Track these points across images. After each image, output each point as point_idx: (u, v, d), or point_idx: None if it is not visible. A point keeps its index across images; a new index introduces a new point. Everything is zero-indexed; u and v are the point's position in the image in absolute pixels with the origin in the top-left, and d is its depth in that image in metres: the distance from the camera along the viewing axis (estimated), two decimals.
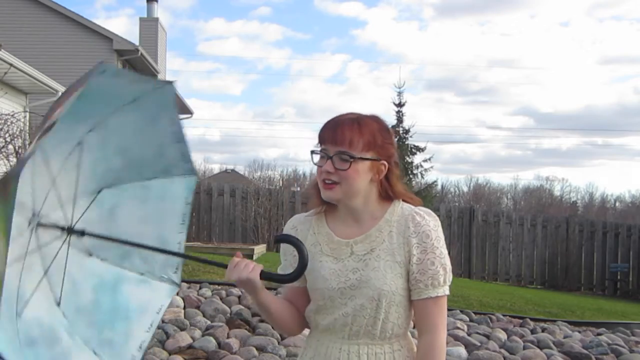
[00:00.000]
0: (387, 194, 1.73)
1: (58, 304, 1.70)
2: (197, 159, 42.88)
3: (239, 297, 5.81)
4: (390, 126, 1.80)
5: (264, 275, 1.62)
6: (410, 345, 1.75)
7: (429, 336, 1.66)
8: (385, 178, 1.71)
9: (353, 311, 1.67)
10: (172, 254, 1.73)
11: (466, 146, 73.96)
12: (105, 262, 1.82)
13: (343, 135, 1.65)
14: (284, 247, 1.82)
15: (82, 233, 1.72)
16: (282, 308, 1.78)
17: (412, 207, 1.73)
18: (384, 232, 1.69)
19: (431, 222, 1.69)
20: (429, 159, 18.60)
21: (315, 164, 1.71)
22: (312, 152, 1.72)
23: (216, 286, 6.21)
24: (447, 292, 1.69)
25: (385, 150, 1.71)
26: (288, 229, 1.83)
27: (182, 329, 4.82)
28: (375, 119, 1.73)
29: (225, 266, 1.65)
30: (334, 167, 1.65)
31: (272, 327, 1.87)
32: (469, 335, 5.51)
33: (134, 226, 1.80)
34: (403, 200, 1.75)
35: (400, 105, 18.71)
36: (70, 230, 1.72)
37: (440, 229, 1.71)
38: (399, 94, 18.99)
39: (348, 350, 1.70)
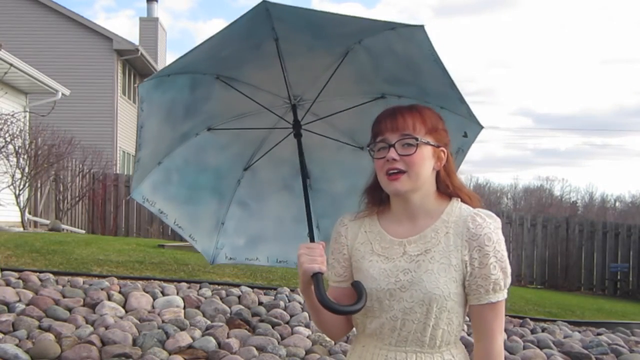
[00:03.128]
0: (445, 189, 1.65)
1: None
2: None
3: (239, 297, 5.81)
4: None
5: (314, 278, 1.57)
6: (463, 354, 1.69)
7: (486, 343, 1.60)
8: (444, 168, 1.64)
9: (402, 315, 1.58)
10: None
11: None
12: (237, 180, 2.13)
13: (405, 120, 1.59)
14: (334, 247, 1.75)
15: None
16: None
17: (471, 208, 1.64)
18: (440, 233, 1.60)
19: (492, 225, 1.61)
20: None
21: (375, 158, 1.62)
22: (369, 146, 1.65)
23: (216, 286, 6.21)
24: (506, 296, 1.62)
25: (444, 137, 1.65)
26: (339, 225, 1.76)
27: (182, 329, 4.82)
28: (430, 108, 1.67)
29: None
30: (398, 154, 1.57)
31: (318, 329, 1.81)
32: (469, 335, 5.50)
33: None
34: (461, 200, 1.66)
35: None
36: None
37: (500, 231, 1.63)
38: None
39: (395, 358, 1.60)
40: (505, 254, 1.62)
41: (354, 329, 1.76)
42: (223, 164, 2.08)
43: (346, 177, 2.10)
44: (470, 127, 1.87)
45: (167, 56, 24.01)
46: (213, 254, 2.13)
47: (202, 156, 2.05)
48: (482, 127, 1.86)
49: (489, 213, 1.64)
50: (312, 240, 1.72)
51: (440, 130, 1.64)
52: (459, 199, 1.66)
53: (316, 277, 1.58)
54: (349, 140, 2.06)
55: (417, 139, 1.57)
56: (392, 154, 1.57)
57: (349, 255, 1.70)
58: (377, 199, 1.69)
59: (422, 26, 1.57)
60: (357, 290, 1.60)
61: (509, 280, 1.61)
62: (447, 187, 1.65)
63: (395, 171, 1.57)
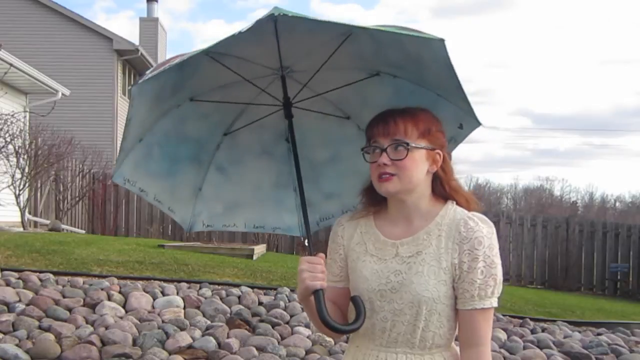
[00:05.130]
0: (441, 191, 1.65)
1: None
2: None
3: (239, 297, 5.81)
4: None
5: (316, 295, 1.57)
6: (454, 358, 1.65)
7: (474, 350, 1.57)
8: (441, 169, 1.64)
9: (392, 316, 1.59)
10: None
11: (464, 147, 73.97)
12: (216, 144, 2.05)
13: (396, 124, 1.60)
14: (331, 247, 1.76)
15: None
16: (330, 311, 1.68)
17: (465, 211, 1.62)
18: (432, 235, 1.60)
19: (485, 229, 1.58)
20: None
21: (367, 161, 1.64)
22: (363, 150, 1.65)
23: (216, 286, 6.21)
24: (495, 304, 1.59)
25: (439, 139, 1.64)
26: (336, 226, 1.77)
27: (182, 329, 4.82)
28: (425, 110, 1.67)
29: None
30: (389, 159, 1.58)
31: (317, 329, 1.79)
32: None
33: None
34: (458, 203, 1.65)
35: None
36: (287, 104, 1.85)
37: (494, 237, 1.60)
38: None
39: (385, 358, 1.61)
40: (497, 260, 1.60)
41: None
42: (204, 133, 2.03)
43: (328, 146, 2.07)
44: (468, 120, 1.85)
45: (167, 57, 24.00)
46: (190, 221, 2.10)
47: (183, 127, 1.99)
48: (479, 124, 1.84)
49: (483, 218, 1.62)
50: (309, 244, 1.71)
51: (434, 132, 1.63)
52: (455, 202, 1.65)
53: (317, 294, 1.57)
54: (334, 111, 2.01)
55: (408, 144, 1.58)
56: (384, 158, 1.58)
57: (345, 256, 1.72)
58: (374, 199, 1.70)
59: (442, 40, 1.55)
60: (356, 306, 1.60)
61: (498, 289, 1.59)
62: (443, 189, 1.65)
63: (386, 175, 1.58)
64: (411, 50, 1.69)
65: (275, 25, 1.64)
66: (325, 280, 1.59)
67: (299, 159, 1.87)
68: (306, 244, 1.73)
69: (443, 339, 1.60)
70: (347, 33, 1.73)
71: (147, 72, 1.69)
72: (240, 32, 1.51)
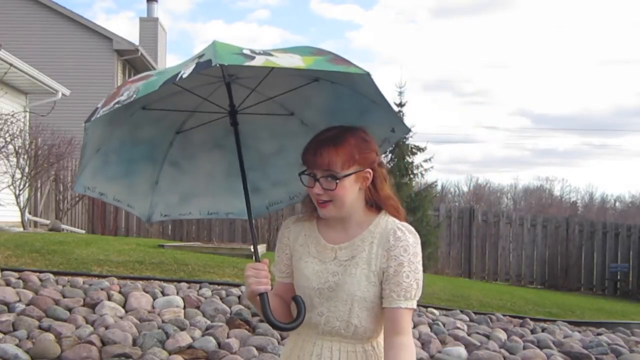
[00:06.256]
0: (374, 201, 1.82)
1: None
2: None
3: (239, 297, 5.81)
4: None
5: (262, 298, 1.76)
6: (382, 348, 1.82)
7: (400, 337, 1.73)
8: (371, 184, 1.81)
9: (327, 312, 1.79)
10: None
11: (464, 147, 74.07)
12: (169, 142, 2.17)
13: (322, 158, 1.74)
14: (279, 246, 1.95)
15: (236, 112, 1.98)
16: (275, 306, 1.86)
17: (397, 221, 1.81)
18: (365, 242, 1.79)
19: (410, 239, 1.77)
20: (429, 159, 18.60)
21: (305, 185, 1.81)
22: (300, 175, 1.81)
23: (216, 286, 6.21)
24: (414, 307, 1.77)
25: (366, 159, 1.78)
26: (283, 228, 1.95)
27: (182, 329, 4.82)
28: (351, 133, 1.78)
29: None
30: (322, 189, 1.75)
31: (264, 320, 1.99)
32: (469, 335, 5.50)
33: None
34: (388, 211, 1.83)
35: (401, 105, 18.70)
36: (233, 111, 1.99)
37: (419, 247, 1.78)
38: (400, 93, 18.99)
39: (322, 345, 1.81)
40: (420, 267, 1.77)
41: None
42: (157, 134, 2.14)
43: (275, 139, 2.20)
44: (398, 126, 2.00)
45: (167, 57, 24.01)
46: (149, 213, 2.22)
47: (136, 132, 2.09)
48: (409, 130, 2.02)
49: (410, 228, 1.80)
50: (256, 257, 1.87)
51: (364, 153, 1.77)
52: (387, 213, 1.83)
53: (262, 297, 1.76)
54: (279, 109, 2.13)
55: (336, 176, 1.73)
56: (317, 189, 1.76)
57: (291, 255, 1.91)
58: (313, 208, 1.86)
59: (368, 74, 1.67)
60: (297, 305, 1.79)
61: (419, 292, 1.77)
62: (374, 200, 1.82)
63: (323, 201, 1.77)
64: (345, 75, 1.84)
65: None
66: (269, 284, 1.78)
67: (249, 150, 2.09)
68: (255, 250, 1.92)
69: (373, 332, 1.80)
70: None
71: (99, 105, 1.78)
72: (181, 78, 1.59)
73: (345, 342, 1.80)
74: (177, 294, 5.71)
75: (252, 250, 1.93)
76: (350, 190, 1.77)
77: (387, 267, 1.75)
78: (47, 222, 12.41)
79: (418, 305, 1.88)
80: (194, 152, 2.21)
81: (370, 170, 1.79)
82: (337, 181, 1.74)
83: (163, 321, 4.98)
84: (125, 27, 65.32)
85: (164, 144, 2.17)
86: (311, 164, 1.77)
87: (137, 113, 2.05)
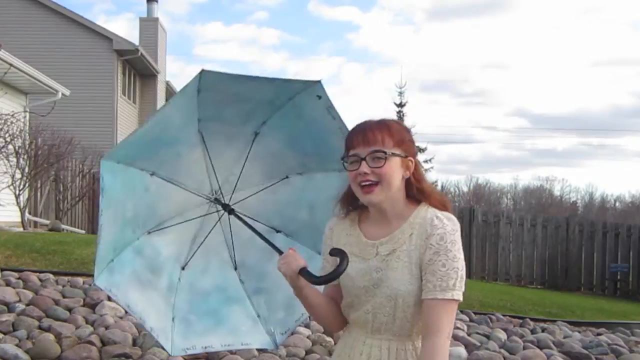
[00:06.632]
0: (415, 194, 1.78)
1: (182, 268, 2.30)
2: None
3: None
4: None
5: (302, 272, 1.75)
6: None
7: (433, 339, 1.64)
8: (413, 176, 1.78)
9: (373, 309, 1.75)
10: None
11: (463, 147, 74.08)
12: (239, 281, 2.35)
13: (374, 135, 1.73)
14: (324, 249, 1.92)
15: (231, 210, 2.19)
16: (324, 303, 1.86)
17: (436, 211, 1.76)
18: (405, 234, 1.75)
19: (448, 226, 1.72)
20: (430, 160, 18.60)
21: (348, 170, 1.77)
22: (343, 159, 1.79)
23: None
24: (457, 298, 1.67)
25: (410, 148, 1.79)
26: (327, 230, 1.93)
27: None
28: (397, 121, 1.82)
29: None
30: (369, 167, 1.71)
31: (320, 325, 2.06)
32: (469, 335, 5.50)
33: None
34: (431, 204, 1.78)
35: (401, 105, 18.72)
36: (227, 207, 2.21)
37: (457, 234, 1.73)
38: (400, 94, 18.98)
39: (371, 344, 1.77)
40: (459, 256, 1.71)
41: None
42: (217, 280, 2.36)
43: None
44: (314, 90, 2.04)
45: (167, 57, 23.99)
46: (271, 340, 2.37)
47: (196, 289, 2.31)
48: (319, 82, 2.02)
49: (450, 216, 1.76)
50: (278, 252, 1.92)
51: (407, 142, 1.78)
52: (428, 204, 1.78)
53: (304, 272, 1.76)
54: (271, 181, 2.33)
55: (385, 152, 1.71)
56: (364, 167, 1.72)
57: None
58: (352, 204, 1.85)
59: (201, 71, 1.81)
60: (337, 255, 1.76)
61: (460, 282, 1.69)
62: (416, 193, 1.78)
63: (368, 183, 1.72)
64: (236, 92, 1.99)
65: (201, 134, 2.14)
66: (299, 260, 1.77)
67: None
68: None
69: (420, 327, 1.74)
70: (251, 140, 2.18)
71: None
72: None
73: (394, 340, 1.75)
74: None
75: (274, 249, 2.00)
76: (397, 173, 1.73)
77: (426, 256, 1.70)
78: (47, 222, 12.40)
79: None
80: (261, 271, 2.37)
81: (412, 160, 1.77)
82: (386, 158, 1.70)
83: None
84: (124, 29, 65.41)
85: (233, 284, 2.38)
86: (359, 144, 1.73)
87: (142, 238, 2.23)
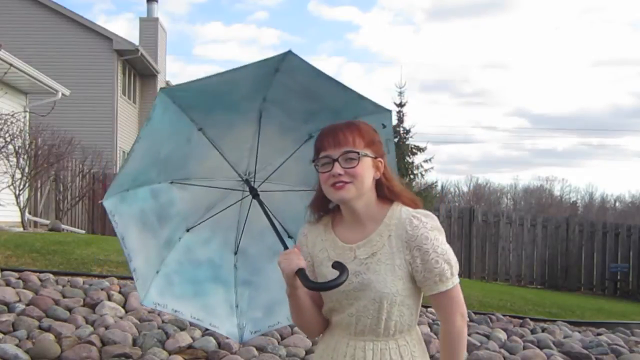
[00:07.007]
0: (386, 194, 1.81)
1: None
2: None
3: None
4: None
5: (298, 273, 1.73)
6: (418, 339, 1.84)
7: (446, 326, 1.75)
8: (383, 176, 1.80)
9: (357, 312, 1.76)
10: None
11: (463, 147, 74.09)
12: (233, 266, 2.33)
13: (345, 136, 1.74)
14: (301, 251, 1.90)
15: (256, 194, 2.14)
16: (310, 307, 1.86)
17: (410, 210, 1.79)
18: (384, 237, 1.76)
19: (428, 224, 1.75)
20: (429, 160, 18.58)
21: (320, 172, 1.77)
22: (314, 162, 1.78)
23: None
24: (456, 282, 1.76)
25: (379, 149, 1.81)
26: (300, 236, 1.93)
27: (182, 329, 4.82)
28: (365, 122, 1.83)
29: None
30: (342, 168, 1.72)
31: (301, 329, 1.98)
32: (469, 335, 5.50)
33: None
34: (402, 202, 1.81)
35: (401, 105, 18.69)
36: (253, 191, 2.16)
37: (438, 226, 1.77)
38: (400, 94, 18.97)
39: (355, 345, 1.79)
40: (446, 246, 1.76)
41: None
42: (214, 255, 2.31)
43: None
44: (383, 117, 2.04)
45: (167, 57, 24.00)
46: (239, 334, 2.34)
47: (192, 255, 2.27)
48: (389, 111, 2.04)
49: (426, 213, 1.79)
50: (284, 245, 1.91)
51: (376, 142, 1.80)
52: (400, 203, 1.81)
53: (301, 273, 1.73)
54: (303, 187, 2.25)
55: (358, 153, 1.73)
56: (337, 169, 1.72)
57: (312, 262, 1.88)
58: (325, 209, 1.86)
59: (289, 51, 1.78)
60: (339, 269, 1.74)
61: (455, 268, 1.76)
62: (387, 192, 1.81)
63: (341, 183, 1.73)
64: (294, 86, 1.94)
65: (203, 132, 2.07)
66: (301, 261, 1.73)
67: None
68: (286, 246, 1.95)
69: (405, 325, 1.79)
70: (258, 117, 2.11)
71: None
72: (151, 119, 1.88)
73: (378, 341, 1.77)
74: None
75: (280, 242, 1.97)
76: (368, 173, 1.75)
77: (413, 260, 1.73)
78: (47, 222, 12.40)
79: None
80: (258, 266, 2.33)
81: (382, 160, 1.80)
82: (359, 158, 1.72)
83: (163, 321, 4.98)
84: (124, 29, 65.40)
85: (226, 266, 2.31)
86: (330, 145, 1.74)
87: (184, 237, 2.25)
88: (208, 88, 1.89)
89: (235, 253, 2.33)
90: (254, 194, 2.16)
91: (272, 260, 2.22)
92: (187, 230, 2.25)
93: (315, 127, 2.05)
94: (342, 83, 1.87)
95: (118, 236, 2.07)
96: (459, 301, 1.77)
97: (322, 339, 1.91)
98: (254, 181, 2.21)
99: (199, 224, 2.27)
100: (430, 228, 1.74)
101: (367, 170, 1.75)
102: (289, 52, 1.78)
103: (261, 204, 2.12)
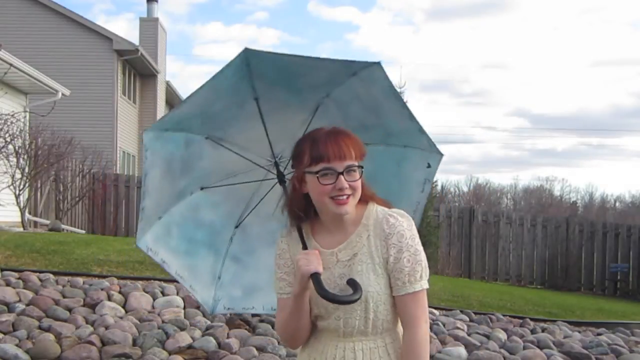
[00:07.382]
0: (363, 197, 1.81)
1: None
2: None
3: None
4: None
5: (313, 276, 1.71)
6: (401, 336, 1.83)
7: (410, 330, 1.75)
8: (361, 181, 1.81)
9: (344, 314, 1.77)
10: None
11: (462, 147, 74.09)
12: (229, 238, 2.32)
13: (349, 149, 1.74)
14: (280, 263, 1.89)
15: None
16: (306, 314, 1.82)
17: (386, 209, 1.81)
18: (363, 237, 1.78)
19: (404, 223, 1.77)
20: None
21: (322, 183, 1.73)
22: (317, 173, 1.73)
23: None
24: (425, 287, 1.77)
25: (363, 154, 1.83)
26: (280, 243, 1.90)
27: (182, 329, 4.82)
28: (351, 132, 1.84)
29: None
30: (347, 182, 1.73)
31: (285, 337, 1.93)
32: (469, 335, 5.50)
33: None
34: (377, 202, 1.83)
35: None
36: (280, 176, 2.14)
37: (413, 228, 1.80)
38: (400, 93, 18.96)
39: (344, 347, 1.79)
40: (420, 248, 1.77)
41: None
42: (216, 221, 2.29)
43: None
44: (432, 157, 2.06)
45: (167, 57, 24.00)
46: (212, 305, 2.32)
47: (197, 213, 2.26)
48: (442, 155, 2.06)
49: (402, 212, 1.81)
50: (303, 243, 1.85)
51: (364, 152, 1.81)
52: (375, 203, 1.83)
53: (315, 277, 1.72)
54: None
55: (361, 167, 1.76)
56: (343, 182, 1.72)
57: (294, 268, 1.82)
58: (301, 212, 1.83)
59: (379, 63, 1.76)
60: (351, 286, 1.74)
61: (426, 271, 1.77)
62: (363, 195, 1.81)
63: (345, 197, 1.73)
64: (363, 95, 1.93)
65: (257, 103, 2.02)
66: (320, 266, 1.73)
67: None
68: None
69: (391, 324, 1.80)
70: (315, 107, 2.07)
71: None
72: (220, 74, 1.81)
73: (366, 340, 1.78)
74: (177, 294, 5.70)
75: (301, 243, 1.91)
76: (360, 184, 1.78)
77: (388, 257, 1.75)
78: (47, 222, 12.40)
79: None
80: (253, 246, 2.32)
81: (362, 167, 1.80)
82: (361, 172, 1.75)
83: (163, 321, 4.98)
84: (124, 29, 65.44)
85: (224, 236, 2.30)
86: (334, 157, 1.72)
87: (196, 193, 2.24)
88: (285, 64, 1.87)
89: (236, 227, 2.32)
90: (281, 179, 2.15)
91: (268, 245, 2.21)
92: (202, 189, 2.25)
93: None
94: (412, 112, 1.88)
95: (143, 171, 2.07)
96: (424, 307, 1.77)
97: (307, 344, 1.88)
98: (285, 167, 2.17)
99: (215, 186, 2.26)
100: (406, 227, 1.77)
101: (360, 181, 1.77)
102: (378, 63, 1.78)
103: (285, 191, 2.06)
